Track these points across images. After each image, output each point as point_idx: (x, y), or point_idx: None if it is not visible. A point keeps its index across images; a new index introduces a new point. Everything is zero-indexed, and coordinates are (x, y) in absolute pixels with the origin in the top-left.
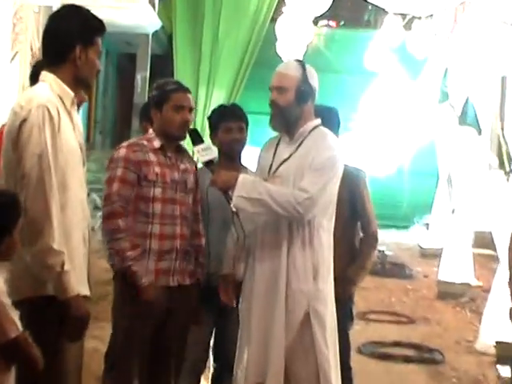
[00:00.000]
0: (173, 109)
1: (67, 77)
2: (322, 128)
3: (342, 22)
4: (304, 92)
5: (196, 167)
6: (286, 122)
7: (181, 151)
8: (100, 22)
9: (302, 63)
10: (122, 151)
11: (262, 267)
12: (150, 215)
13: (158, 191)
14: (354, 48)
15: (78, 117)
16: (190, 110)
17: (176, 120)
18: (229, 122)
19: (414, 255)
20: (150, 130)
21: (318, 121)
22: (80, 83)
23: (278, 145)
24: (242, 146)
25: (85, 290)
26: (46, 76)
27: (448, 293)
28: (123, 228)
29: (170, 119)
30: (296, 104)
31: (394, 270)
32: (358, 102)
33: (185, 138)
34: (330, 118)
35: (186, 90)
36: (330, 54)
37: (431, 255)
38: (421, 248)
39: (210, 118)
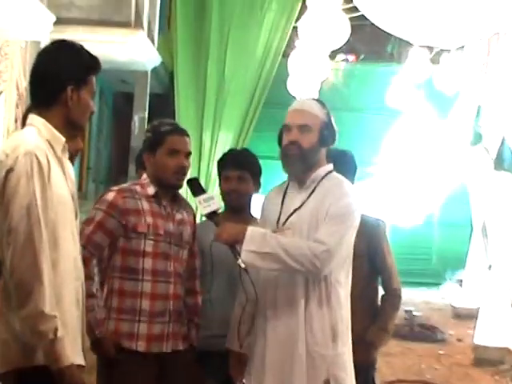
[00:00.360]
0: (167, 153)
1: (58, 120)
2: (336, 174)
3: (362, 56)
4: (327, 135)
5: (194, 217)
6: (306, 166)
7: (178, 200)
8: (94, 59)
9: (323, 103)
10: (110, 195)
11: (276, 329)
12: (140, 272)
13: (149, 244)
14: (375, 84)
15: (70, 164)
16: (187, 155)
17: (170, 166)
18: (227, 170)
19: (446, 316)
20: (144, 175)
21: (331, 166)
22: (72, 127)
23: (285, 193)
24: (244, 198)
25: (79, 359)
26: (33, 119)
27: (485, 359)
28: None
29: (163, 165)
30: (318, 147)
31: (424, 333)
32: (380, 143)
33: (180, 186)
34: (344, 163)
35: (183, 133)
36: (348, 90)
37: (466, 316)
38: (454, 308)
39: (217, 164)
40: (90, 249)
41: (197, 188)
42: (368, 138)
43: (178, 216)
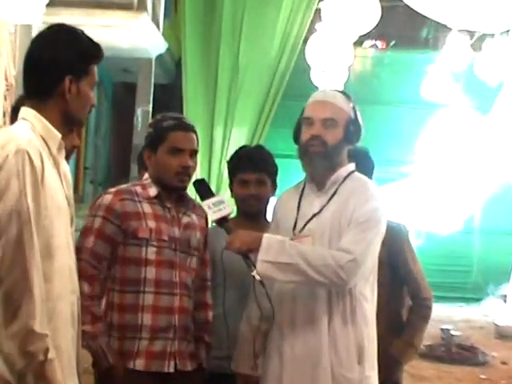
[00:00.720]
0: (169, 151)
1: (54, 114)
2: (359, 174)
3: (393, 42)
4: (353, 132)
5: (206, 221)
6: (330, 165)
7: (185, 201)
8: (96, 46)
9: (348, 95)
10: (107, 198)
11: (295, 349)
12: (142, 282)
13: (151, 251)
14: (408, 74)
15: (66, 165)
16: (192, 153)
17: (172, 166)
18: (244, 172)
19: (488, 336)
20: (146, 175)
21: (353, 166)
22: (70, 122)
23: (301, 196)
24: (263, 203)
25: None
26: (26, 113)
27: None
28: (87, 294)
29: (164, 164)
30: (343, 145)
31: (463, 354)
32: (415, 141)
33: (184, 188)
34: (364, 162)
35: (188, 128)
36: (377, 81)
37: (510, 336)
38: (497, 326)
39: (228, 164)
40: (94, 263)
41: (204, 190)
42: (401, 135)
43: (185, 219)
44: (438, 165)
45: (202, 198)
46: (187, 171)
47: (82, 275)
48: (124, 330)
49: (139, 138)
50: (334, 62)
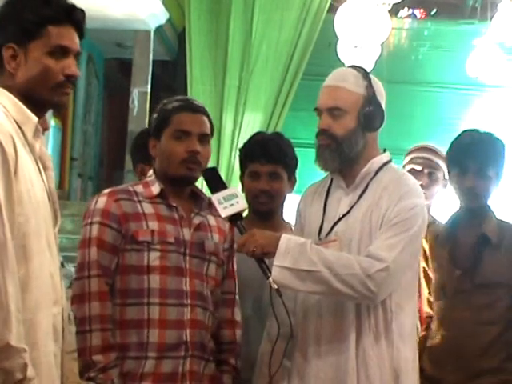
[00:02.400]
0: (173, 136)
1: (15, 94)
2: (394, 165)
3: (434, 11)
4: (371, 115)
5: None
6: (344, 159)
7: (199, 199)
8: (52, 1)
9: (363, 71)
10: (101, 201)
11: (319, 371)
12: (145, 293)
13: (154, 257)
14: (451, 48)
15: (47, 153)
16: (202, 137)
17: (177, 152)
18: (256, 163)
19: None
20: (150, 171)
21: (387, 155)
22: (32, 103)
23: (328, 193)
24: (277, 200)
25: None
26: None
27: None
28: (97, 316)
29: (168, 151)
30: (359, 133)
31: None
32: (459, 127)
33: (193, 179)
34: None
35: (195, 109)
36: (415, 58)
37: None
38: None
39: (240, 152)
40: (105, 278)
41: (215, 181)
42: (442, 120)
43: (198, 219)
44: None
45: (212, 190)
46: (195, 158)
47: (91, 296)
48: (127, 349)
49: (135, 123)
50: (369, 34)
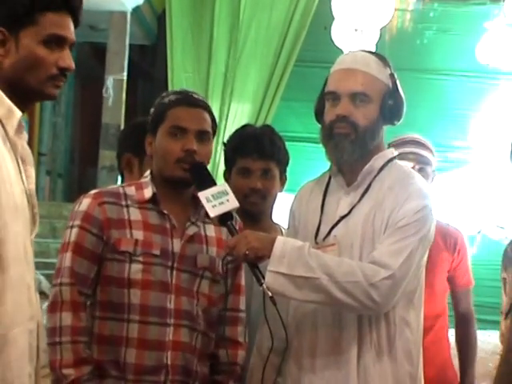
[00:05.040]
0: (169, 132)
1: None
2: (400, 162)
3: None
4: (392, 107)
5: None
6: (364, 152)
7: (199, 204)
8: None
9: (385, 59)
10: (85, 202)
11: None
12: (126, 308)
13: (136, 269)
14: (460, 33)
15: (29, 152)
16: (200, 134)
17: (172, 150)
18: (248, 159)
19: None
20: (147, 172)
21: (392, 151)
22: (18, 93)
23: (326, 192)
24: (269, 200)
25: None
26: None
27: None
28: (68, 327)
29: (163, 149)
30: (380, 125)
31: None
32: (470, 120)
33: (190, 181)
34: None
35: (193, 103)
36: (420, 42)
37: None
38: None
39: (225, 147)
40: (79, 287)
41: (202, 177)
42: (450, 111)
43: (192, 230)
44: (501, 151)
45: (199, 187)
46: (192, 157)
47: (62, 305)
48: (104, 367)
49: (110, 114)
50: (370, 16)
